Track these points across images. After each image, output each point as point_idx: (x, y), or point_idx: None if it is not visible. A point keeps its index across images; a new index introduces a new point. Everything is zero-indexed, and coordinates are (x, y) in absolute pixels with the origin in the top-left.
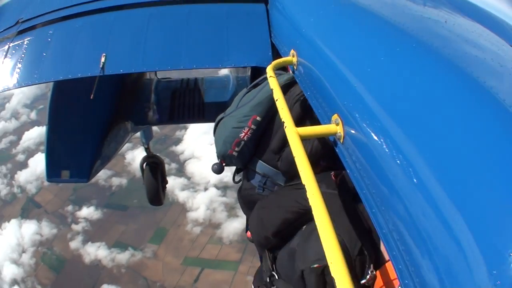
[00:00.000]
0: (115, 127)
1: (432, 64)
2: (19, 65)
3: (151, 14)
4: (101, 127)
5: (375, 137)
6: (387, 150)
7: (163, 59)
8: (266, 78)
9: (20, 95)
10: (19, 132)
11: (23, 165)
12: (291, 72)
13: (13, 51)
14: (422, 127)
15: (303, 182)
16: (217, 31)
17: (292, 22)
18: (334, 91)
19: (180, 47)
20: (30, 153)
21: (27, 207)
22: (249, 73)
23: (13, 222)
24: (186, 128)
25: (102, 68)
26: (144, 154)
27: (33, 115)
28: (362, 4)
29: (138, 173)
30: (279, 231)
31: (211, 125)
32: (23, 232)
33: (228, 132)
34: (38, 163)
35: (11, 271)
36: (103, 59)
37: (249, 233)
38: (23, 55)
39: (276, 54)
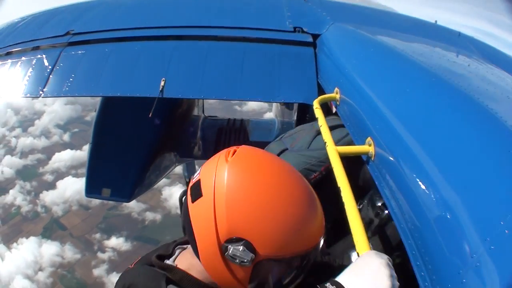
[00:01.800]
0: (161, 155)
1: (454, 99)
2: (73, 75)
3: (210, 46)
4: (147, 152)
5: (401, 157)
6: (409, 169)
7: (219, 89)
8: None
9: (53, 114)
10: (48, 151)
11: (51, 185)
12: (334, 107)
13: (66, 60)
14: (439, 151)
15: (342, 197)
16: (269, 68)
17: (337, 64)
18: (368, 118)
19: (235, 80)
20: (59, 175)
21: (51, 227)
22: (294, 117)
23: (32, 239)
24: None
25: (161, 91)
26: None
27: (66, 137)
28: (396, 48)
29: (174, 209)
30: None
31: None
32: (42, 251)
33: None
34: (68, 187)
35: (21, 285)
36: (162, 83)
37: None
38: (77, 66)
39: (322, 94)
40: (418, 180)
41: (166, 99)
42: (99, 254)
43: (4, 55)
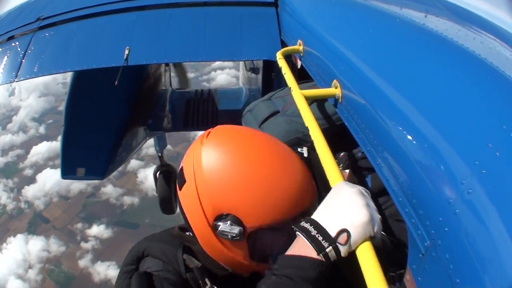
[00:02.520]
0: (131, 130)
1: (413, 37)
2: (43, 56)
3: (171, 14)
4: (117, 128)
5: (368, 96)
6: (379, 106)
7: (183, 52)
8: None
9: (28, 109)
10: (26, 146)
11: (31, 179)
12: (298, 60)
13: (36, 44)
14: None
15: (311, 135)
16: (232, 30)
17: (299, 19)
18: (332, 63)
19: (198, 43)
20: (38, 168)
21: (35, 221)
22: (260, 85)
23: (20, 237)
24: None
25: (126, 59)
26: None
27: (41, 129)
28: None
29: (150, 191)
30: None
31: None
32: (29, 248)
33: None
34: (47, 179)
35: (16, 287)
36: (126, 52)
37: None
38: (46, 47)
39: None
40: (390, 115)
41: (133, 73)
42: (83, 244)
43: None
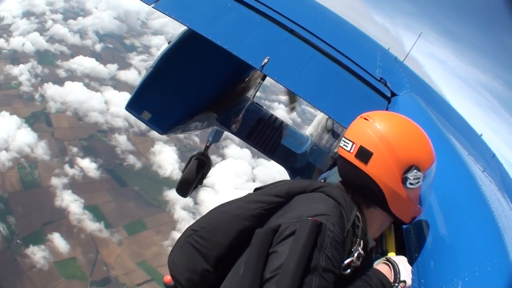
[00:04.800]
0: (207, 112)
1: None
2: (194, 6)
3: (313, 53)
4: (201, 101)
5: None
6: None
7: (308, 91)
8: None
9: (98, 21)
10: (75, 50)
11: (59, 81)
12: None
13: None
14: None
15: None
16: (349, 97)
17: None
18: None
19: (323, 92)
20: (71, 76)
21: (39, 117)
22: (327, 146)
23: (15, 119)
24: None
25: (263, 66)
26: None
27: (98, 47)
28: (443, 135)
29: (156, 165)
30: (229, 251)
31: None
32: (17, 134)
33: None
34: (73, 91)
35: None
36: (266, 60)
37: (170, 275)
38: (202, 2)
39: None
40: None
41: (241, 70)
42: (66, 167)
43: None
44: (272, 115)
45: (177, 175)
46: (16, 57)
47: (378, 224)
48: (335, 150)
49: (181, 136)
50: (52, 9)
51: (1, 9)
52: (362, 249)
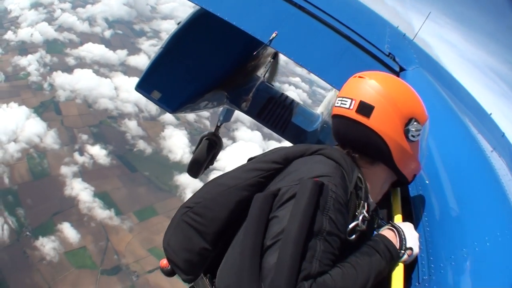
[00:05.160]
0: (217, 90)
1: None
2: None
3: (322, 29)
4: (210, 80)
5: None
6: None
7: (315, 64)
8: None
9: (106, 7)
10: (84, 38)
11: (68, 69)
12: None
13: None
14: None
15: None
16: (357, 71)
17: None
18: None
19: (330, 65)
20: (81, 63)
21: (48, 106)
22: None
23: (24, 109)
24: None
25: (270, 41)
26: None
27: (107, 33)
28: (449, 106)
29: (166, 150)
30: (227, 225)
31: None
32: (26, 125)
33: None
34: (83, 79)
35: None
36: (274, 35)
37: (166, 259)
38: None
39: None
40: None
41: (250, 48)
42: (76, 155)
43: None
44: (282, 93)
45: (187, 159)
46: (24, 48)
47: (381, 184)
48: None
49: (191, 119)
50: None
51: (8, 2)
52: (366, 211)
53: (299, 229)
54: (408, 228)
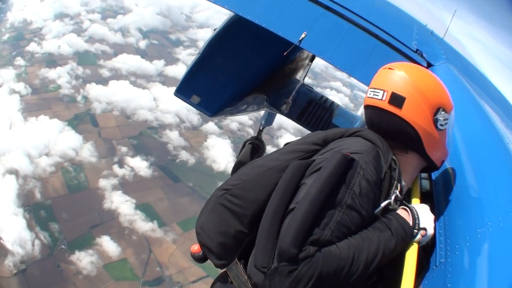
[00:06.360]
0: (256, 93)
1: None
2: None
3: (349, 28)
4: (249, 83)
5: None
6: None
7: (345, 62)
8: None
9: (139, 17)
10: (117, 49)
11: (103, 81)
12: None
13: None
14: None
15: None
16: (381, 63)
17: None
18: None
19: (359, 64)
20: (116, 75)
21: (83, 118)
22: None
23: (56, 122)
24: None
25: (300, 41)
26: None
27: (142, 43)
28: (477, 103)
29: (210, 160)
30: (264, 208)
31: None
32: (59, 138)
33: None
34: (119, 90)
35: (17, 160)
36: (303, 35)
37: (197, 245)
38: None
39: None
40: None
41: (287, 53)
42: (115, 167)
43: None
44: (322, 96)
45: (231, 168)
46: (53, 60)
47: (412, 170)
48: None
49: (234, 128)
50: (88, 9)
51: (28, 13)
52: (399, 192)
53: (318, 192)
54: (422, 209)
